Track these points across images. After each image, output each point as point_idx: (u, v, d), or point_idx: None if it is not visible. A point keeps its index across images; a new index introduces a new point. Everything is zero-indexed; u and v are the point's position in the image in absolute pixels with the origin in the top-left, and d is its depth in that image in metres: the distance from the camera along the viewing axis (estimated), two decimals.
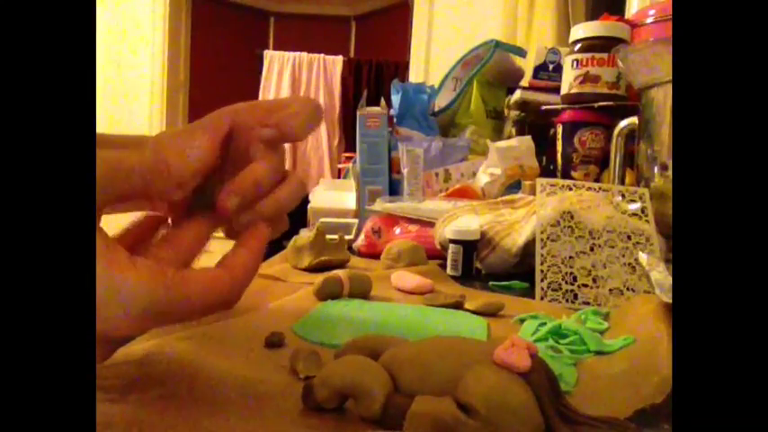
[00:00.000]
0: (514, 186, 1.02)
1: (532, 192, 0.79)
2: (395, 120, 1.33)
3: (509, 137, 1.29)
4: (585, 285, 0.58)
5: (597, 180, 1.00)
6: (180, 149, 0.29)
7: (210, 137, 0.30)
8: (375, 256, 0.79)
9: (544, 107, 1.13)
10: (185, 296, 0.25)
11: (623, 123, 0.88)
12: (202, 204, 0.32)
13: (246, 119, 0.33)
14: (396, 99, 1.36)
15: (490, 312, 0.50)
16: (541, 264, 0.60)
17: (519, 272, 0.68)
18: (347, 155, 2.61)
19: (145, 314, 0.24)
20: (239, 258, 0.29)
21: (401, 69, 3.30)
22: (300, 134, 0.32)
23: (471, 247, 0.70)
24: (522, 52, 1.47)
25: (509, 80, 1.40)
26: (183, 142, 0.30)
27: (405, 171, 1.06)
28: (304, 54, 3.59)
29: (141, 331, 0.26)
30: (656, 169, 0.75)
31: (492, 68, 1.38)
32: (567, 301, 0.57)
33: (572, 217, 0.62)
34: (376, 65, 3.63)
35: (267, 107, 0.33)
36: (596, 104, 1.00)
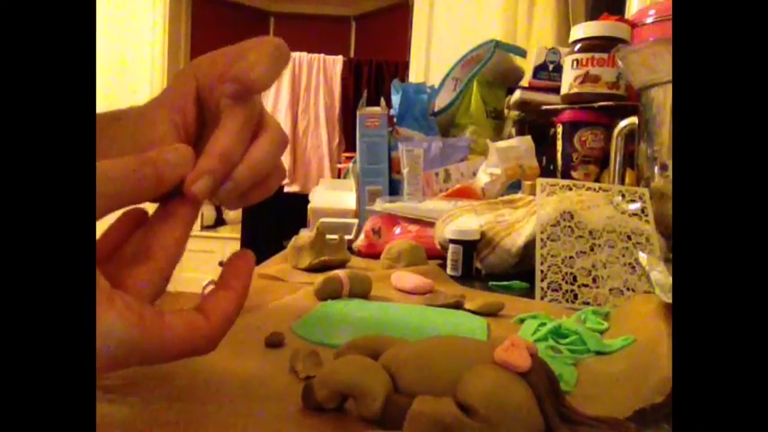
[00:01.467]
0: (514, 186, 1.02)
1: (532, 192, 0.79)
2: (395, 120, 1.33)
3: (509, 137, 1.29)
4: (585, 285, 0.58)
5: (597, 180, 1.00)
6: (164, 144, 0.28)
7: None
8: (375, 256, 0.79)
9: (544, 107, 1.13)
10: (160, 341, 0.24)
11: (623, 123, 0.88)
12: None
13: (209, 76, 0.31)
14: (396, 99, 1.36)
15: (490, 312, 0.50)
16: (541, 264, 0.60)
17: (519, 272, 0.68)
18: (347, 155, 2.61)
19: (117, 354, 0.23)
20: (220, 304, 0.27)
21: (401, 69, 3.30)
22: (264, 84, 0.29)
23: (471, 247, 0.70)
24: (522, 52, 1.47)
25: (509, 80, 1.40)
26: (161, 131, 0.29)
27: (405, 171, 1.06)
28: (304, 54, 3.59)
29: (110, 370, 0.24)
30: (656, 169, 0.75)
31: (492, 68, 1.38)
32: (567, 301, 0.57)
33: (572, 217, 0.62)
34: (376, 65, 3.64)
35: (228, 59, 0.31)
36: (596, 104, 1.00)
